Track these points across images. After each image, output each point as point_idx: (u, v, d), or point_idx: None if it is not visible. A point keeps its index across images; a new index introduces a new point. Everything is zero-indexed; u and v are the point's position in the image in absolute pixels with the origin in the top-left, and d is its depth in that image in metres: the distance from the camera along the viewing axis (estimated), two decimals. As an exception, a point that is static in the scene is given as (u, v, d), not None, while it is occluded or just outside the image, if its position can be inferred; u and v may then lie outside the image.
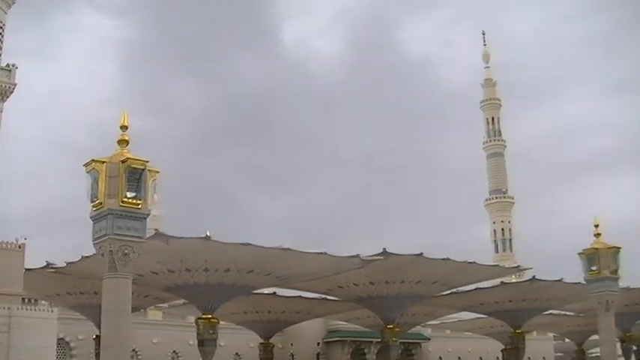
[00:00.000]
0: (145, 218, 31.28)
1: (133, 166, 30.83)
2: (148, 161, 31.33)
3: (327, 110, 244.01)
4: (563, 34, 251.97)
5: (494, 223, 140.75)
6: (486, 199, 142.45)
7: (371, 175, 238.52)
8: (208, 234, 43.27)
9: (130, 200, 30.46)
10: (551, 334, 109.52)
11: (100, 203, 30.64)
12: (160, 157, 36.09)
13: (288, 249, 45.74)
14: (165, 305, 71.10)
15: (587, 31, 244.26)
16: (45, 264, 51.16)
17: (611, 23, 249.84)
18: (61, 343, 75.51)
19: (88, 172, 31.33)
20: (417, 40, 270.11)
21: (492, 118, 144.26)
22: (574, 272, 56.94)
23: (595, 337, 70.37)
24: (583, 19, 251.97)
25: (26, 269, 50.98)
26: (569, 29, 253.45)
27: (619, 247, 53.88)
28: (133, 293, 32.30)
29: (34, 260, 51.18)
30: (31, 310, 68.01)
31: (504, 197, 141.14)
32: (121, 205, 30.33)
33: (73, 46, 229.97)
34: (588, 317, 70.21)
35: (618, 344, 68.05)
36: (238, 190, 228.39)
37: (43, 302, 67.62)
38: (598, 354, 71.54)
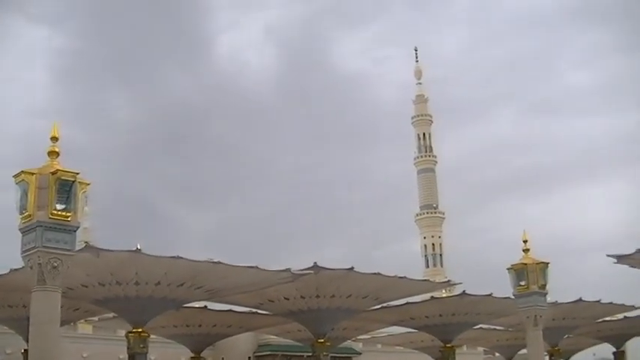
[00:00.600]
0: (75, 231, 31.03)
1: (63, 177, 30.56)
2: (78, 173, 31.13)
3: (259, 124, 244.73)
4: (491, 53, 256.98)
5: (424, 238, 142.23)
6: (417, 215, 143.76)
7: (303, 189, 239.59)
8: (139, 247, 43.07)
9: (59, 212, 30.15)
10: (481, 349, 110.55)
11: (29, 215, 30.32)
12: (90, 168, 35.90)
13: (219, 262, 45.68)
14: (96, 319, 70.25)
15: (513, 51, 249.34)
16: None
17: (537, 45, 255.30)
18: (-12, 357, 74.53)
19: (17, 184, 31.01)
20: (349, 55, 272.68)
21: (424, 134, 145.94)
22: (503, 287, 57.74)
23: (524, 351, 71.13)
24: (510, 39, 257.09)
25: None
26: (497, 49, 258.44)
27: (547, 263, 54.48)
28: (62, 306, 32.04)
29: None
30: (-43, 324, 67.08)
31: (435, 212, 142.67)
32: (51, 218, 30.03)
33: (3, 55, 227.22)
34: (517, 331, 71.06)
35: (547, 358, 69.09)
36: (169, 202, 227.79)
37: (-30, 316, 66.77)
38: (527, 367, 72.57)
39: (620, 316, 78.31)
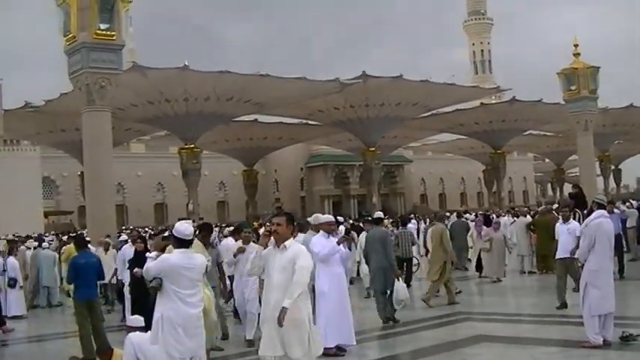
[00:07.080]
0: (120, 49, 30.70)
1: (104, -5, 30.06)
2: (119, -11, 30.61)
3: None
4: None
5: (473, 44, 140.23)
6: (465, 21, 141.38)
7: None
8: (186, 63, 43.16)
9: (103, 32, 29.70)
10: (531, 155, 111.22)
11: (73, 37, 29.94)
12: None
13: (267, 75, 45.74)
14: (148, 138, 71.34)
15: None
16: (24, 104, 50.72)
17: None
18: (47, 181, 76.44)
19: (58, 6, 30.68)
20: None
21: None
22: (553, 94, 57.29)
23: (574, 157, 71.24)
24: None
25: (5, 110, 50.29)
26: None
27: (598, 67, 53.85)
28: (114, 127, 32.33)
29: (12, 101, 50.49)
30: (13, 150, 68.57)
31: (483, 19, 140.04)
32: (95, 38, 29.62)
33: None
34: (567, 137, 70.98)
35: (597, 164, 69.08)
36: (208, 19, 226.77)
37: (25, 142, 68.08)
38: (577, 174, 72.61)
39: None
